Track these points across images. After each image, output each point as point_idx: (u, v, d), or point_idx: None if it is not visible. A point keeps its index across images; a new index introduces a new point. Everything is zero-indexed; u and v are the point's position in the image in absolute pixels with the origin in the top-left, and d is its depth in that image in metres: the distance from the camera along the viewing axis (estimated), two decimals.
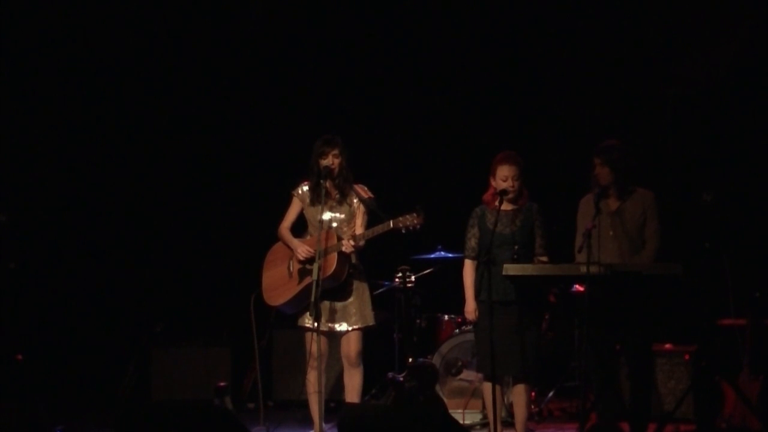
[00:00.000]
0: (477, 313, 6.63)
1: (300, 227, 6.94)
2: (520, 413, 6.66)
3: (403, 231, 6.48)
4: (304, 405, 6.98)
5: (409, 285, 7.65)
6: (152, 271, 9.27)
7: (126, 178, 9.37)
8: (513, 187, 6.53)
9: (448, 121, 9.25)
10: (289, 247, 6.84)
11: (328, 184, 6.76)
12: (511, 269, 6.27)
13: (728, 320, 7.04)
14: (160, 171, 9.41)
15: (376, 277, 7.69)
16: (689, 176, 8.45)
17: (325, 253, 6.58)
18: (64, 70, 9.18)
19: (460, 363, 7.69)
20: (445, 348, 7.74)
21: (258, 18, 9.35)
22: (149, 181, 9.39)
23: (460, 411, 7.46)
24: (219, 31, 9.29)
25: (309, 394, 6.79)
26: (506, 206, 6.59)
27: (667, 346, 7.62)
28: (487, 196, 6.66)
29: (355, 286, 6.79)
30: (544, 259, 6.62)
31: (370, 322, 6.83)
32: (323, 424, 6.81)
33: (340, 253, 6.62)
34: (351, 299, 6.78)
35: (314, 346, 6.58)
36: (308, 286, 6.56)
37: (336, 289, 6.72)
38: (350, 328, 6.76)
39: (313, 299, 6.41)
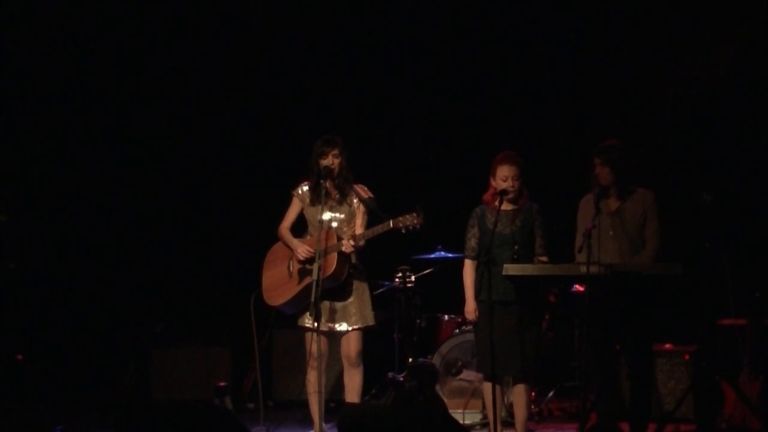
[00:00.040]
0: (477, 313, 6.63)
1: (300, 227, 6.94)
2: (520, 413, 6.66)
3: (403, 231, 6.48)
4: (304, 405, 6.98)
5: (409, 285, 7.65)
6: (152, 271, 9.27)
7: (126, 178, 9.37)
8: (513, 187, 6.53)
9: (448, 121, 9.25)
10: (289, 247, 6.84)
11: (328, 184, 6.76)
12: (511, 269, 6.26)
13: (728, 320, 7.04)
14: (160, 171, 9.41)
15: (376, 277, 7.69)
16: (689, 176, 8.45)
17: (325, 253, 6.58)
18: (64, 70, 9.17)
19: (460, 363, 7.69)
20: (445, 348, 7.74)
21: (258, 18, 9.35)
22: (149, 181, 9.39)
23: (460, 411, 7.46)
24: (219, 31, 9.29)
25: (309, 394, 6.79)
26: (506, 206, 6.59)
27: (667, 346, 7.62)
28: (487, 196, 6.66)
29: (355, 286, 6.79)
30: (544, 259, 6.62)
31: (370, 322, 6.83)
32: (323, 424, 6.81)
33: (340, 253, 6.62)
34: (351, 299, 6.78)
35: (314, 346, 6.58)
36: (308, 286, 6.56)
37: (336, 289, 6.72)
38: (350, 328, 6.76)
39: (313, 299, 6.40)
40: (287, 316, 6.98)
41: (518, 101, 9.10)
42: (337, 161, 6.75)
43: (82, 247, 9.24)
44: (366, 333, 6.84)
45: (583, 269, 6.05)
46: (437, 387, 7.50)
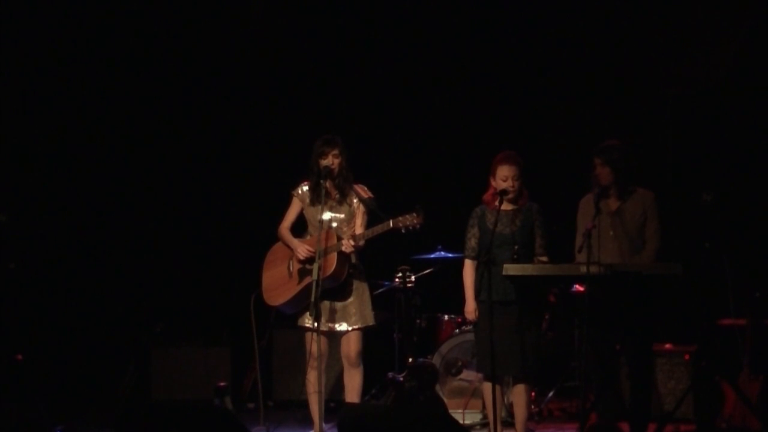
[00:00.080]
0: (477, 313, 6.63)
1: (300, 227, 6.94)
2: (520, 413, 6.66)
3: (403, 231, 6.48)
4: (304, 405, 6.98)
5: (409, 285, 7.65)
6: (152, 272, 9.26)
7: (126, 178, 9.37)
8: (513, 187, 6.53)
9: (448, 121, 9.25)
10: (289, 247, 6.84)
11: (328, 184, 6.76)
12: (511, 269, 6.26)
13: (728, 320, 7.04)
14: (160, 171, 9.40)
15: (376, 277, 7.69)
16: (689, 176, 8.45)
17: (325, 253, 6.58)
18: (64, 70, 9.17)
19: (460, 363, 7.69)
20: (445, 348, 7.74)
21: (258, 18, 9.35)
22: (149, 181, 9.38)
23: (460, 411, 7.46)
24: (219, 31, 9.28)
25: (309, 394, 6.79)
26: (506, 206, 6.59)
27: (667, 346, 7.62)
28: (487, 196, 6.66)
29: (355, 286, 6.79)
30: (544, 259, 6.62)
31: (370, 322, 6.83)
32: (323, 424, 6.81)
33: (340, 253, 6.62)
34: (351, 299, 6.78)
35: (314, 346, 6.58)
36: (308, 286, 6.56)
37: (336, 289, 6.72)
38: (350, 328, 6.76)
39: (313, 299, 6.41)
40: (287, 316, 6.98)
41: (518, 101, 9.10)
42: (337, 161, 6.75)
43: (82, 247, 9.24)
44: (366, 333, 6.84)
45: (583, 269, 6.05)
46: (437, 387, 7.50)
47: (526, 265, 6.38)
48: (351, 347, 6.78)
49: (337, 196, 6.81)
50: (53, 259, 9.10)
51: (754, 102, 8.45)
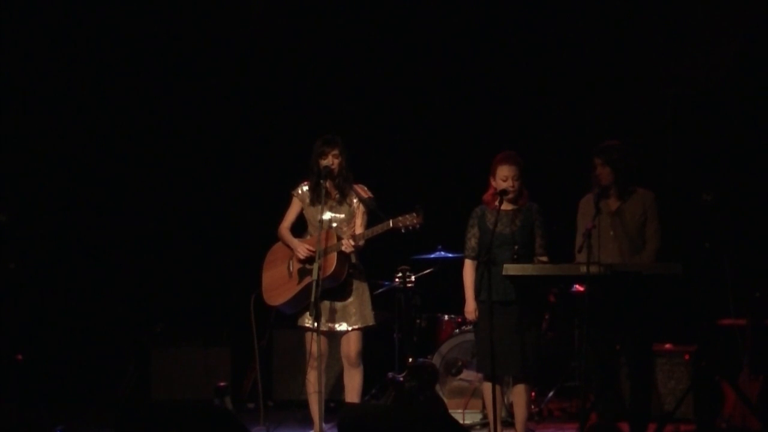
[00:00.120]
0: (477, 313, 6.63)
1: (300, 227, 6.94)
2: (520, 413, 6.66)
3: (403, 231, 6.48)
4: (304, 405, 6.98)
5: (409, 285, 7.65)
6: (152, 272, 9.26)
7: (126, 178, 9.37)
8: (513, 187, 6.53)
9: (448, 121, 9.24)
10: (289, 246, 6.84)
11: (328, 184, 6.76)
12: (511, 269, 6.26)
13: (728, 320, 7.04)
14: (160, 171, 9.40)
15: (376, 277, 7.69)
16: (689, 176, 8.45)
17: (325, 252, 6.58)
18: (64, 70, 9.17)
19: (460, 363, 7.68)
20: (445, 348, 7.74)
21: (258, 18, 9.35)
22: (149, 181, 9.38)
23: (460, 411, 7.46)
24: (219, 31, 9.29)
25: (309, 394, 6.79)
26: (506, 206, 6.59)
27: (667, 346, 7.62)
28: (487, 196, 6.66)
29: (355, 286, 6.79)
30: (544, 259, 6.62)
31: (370, 322, 6.83)
32: (323, 424, 6.81)
33: (340, 253, 6.62)
34: (351, 299, 6.78)
35: (314, 346, 6.58)
36: (308, 286, 6.56)
37: (336, 289, 6.72)
38: (350, 328, 6.76)
39: (313, 299, 6.41)
40: (287, 316, 6.98)
41: (518, 101, 9.10)
42: (337, 161, 6.75)
43: (82, 247, 9.24)
44: (366, 333, 6.84)
45: (583, 269, 6.05)
46: (437, 387, 7.50)
47: (526, 265, 6.38)
48: (351, 347, 6.77)
49: (337, 196, 6.81)
50: (53, 259, 9.11)
51: (754, 102, 8.45)
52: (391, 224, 6.50)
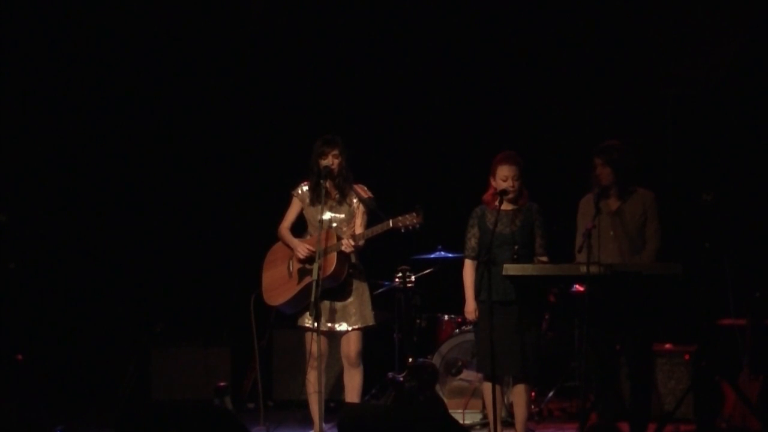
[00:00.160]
0: (477, 313, 6.63)
1: (300, 227, 6.94)
2: (520, 413, 6.66)
3: (403, 230, 6.48)
4: (304, 405, 6.98)
5: (409, 285, 7.64)
6: (152, 272, 9.26)
7: (126, 178, 9.37)
8: (513, 187, 6.53)
9: (448, 121, 9.25)
10: (289, 246, 6.84)
11: (328, 184, 6.76)
12: (511, 269, 6.26)
13: (728, 320, 7.04)
14: (160, 171, 9.40)
15: (376, 277, 7.69)
16: (689, 176, 8.45)
17: (325, 252, 6.58)
18: (64, 70, 9.17)
19: (460, 363, 7.68)
20: (445, 348, 7.74)
21: (258, 18, 9.35)
22: (149, 181, 9.38)
23: (460, 411, 7.46)
24: (219, 31, 9.28)
25: (309, 394, 6.79)
26: (506, 206, 6.59)
27: (667, 346, 7.62)
28: (487, 196, 6.66)
29: (355, 286, 6.79)
30: (544, 259, 6.61)
31: (370, 322, 6.83)
32: (323, 424, 6.81)
33: (340, 253, 6.62)
34: (351, 299, 6.78)
35: (314, 346, 6.58)
36: (308, 286, 6.56)
37: (336, 289, 6.72)
38: (350, 328, 6.76)
39: (313, 299, 6.41)
40: (287, 316, 6.98)
41: (518, 101, 9.10)
42: (337, 161, 6.75)
43: (82, 247, 9.24)
44: (366, 333, 6.84)
45: (583, 269, 6.05)
46: (437, 387, 7.50)
47: (526, 265, 6.38)
48: (351, 347, 6.77)
49: (337, 196, 6.81)
50: (53, 259, 9.10)
51: (754, 102, 8.45)
52: (390, 224, 6.50)
